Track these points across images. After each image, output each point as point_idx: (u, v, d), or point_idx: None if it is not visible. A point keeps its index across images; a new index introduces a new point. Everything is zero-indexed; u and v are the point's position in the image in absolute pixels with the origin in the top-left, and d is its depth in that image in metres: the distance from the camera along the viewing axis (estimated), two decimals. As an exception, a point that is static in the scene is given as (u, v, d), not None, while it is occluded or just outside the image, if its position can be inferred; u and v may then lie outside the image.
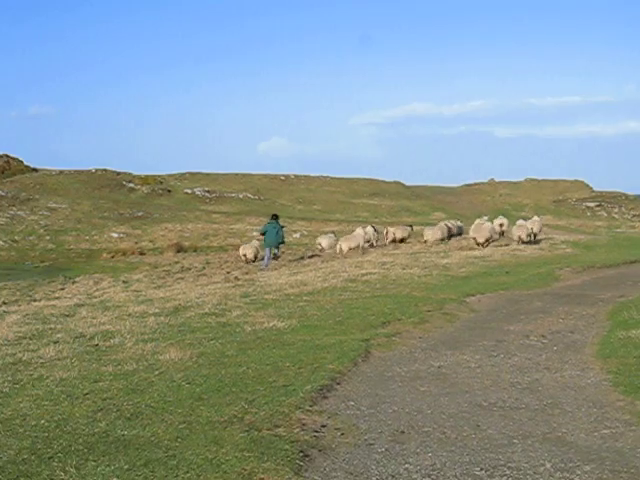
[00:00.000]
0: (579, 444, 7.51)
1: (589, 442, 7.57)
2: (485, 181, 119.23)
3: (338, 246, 35.76)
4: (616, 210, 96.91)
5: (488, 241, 34.82)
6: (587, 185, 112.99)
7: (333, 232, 44.14)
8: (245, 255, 36.89)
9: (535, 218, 39.08)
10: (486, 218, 40.23)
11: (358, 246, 35.83)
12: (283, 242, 34.81)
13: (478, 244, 34.28)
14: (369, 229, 39.61)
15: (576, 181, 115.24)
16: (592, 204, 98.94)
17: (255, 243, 38.19)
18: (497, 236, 38.12)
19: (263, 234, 33.88)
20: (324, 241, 38.73)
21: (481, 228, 35.50)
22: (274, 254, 34.07)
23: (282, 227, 34.20)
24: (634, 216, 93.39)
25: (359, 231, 37.87)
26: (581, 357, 11.59)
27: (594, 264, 26.43)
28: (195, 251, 51.70)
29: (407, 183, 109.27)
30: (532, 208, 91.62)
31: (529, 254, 30.42)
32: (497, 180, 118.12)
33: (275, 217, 34.46)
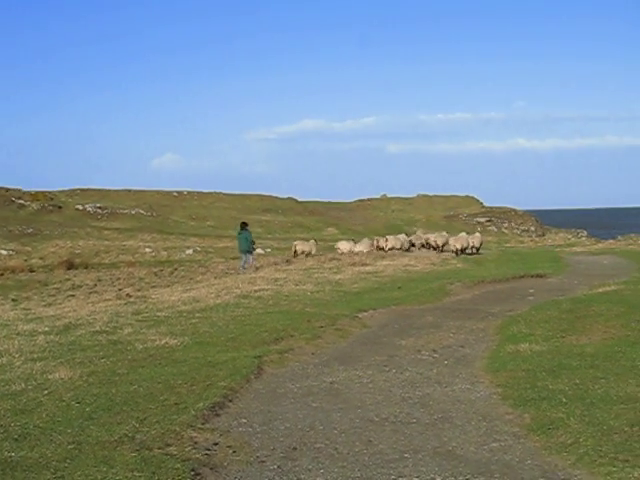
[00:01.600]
0: (469, 457, 7.62)
1: (479, 455, 7.69)
2: (378, 197, 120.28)
3: (387, 244, 43.02)
4: (506, 225, 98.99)
5: (464, 249, 40.27)
6: (478, 201, 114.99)
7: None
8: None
9: (477, 234, 45.63)
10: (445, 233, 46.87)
11: (402, 246, 43.30)
12: (253, 246, 36.53)
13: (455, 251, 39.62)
14: (405, 235, 47.29)
15: (467, 197, 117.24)
16: (483, 219, 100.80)
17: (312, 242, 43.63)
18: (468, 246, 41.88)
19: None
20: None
21: (459, 238, 41.64)
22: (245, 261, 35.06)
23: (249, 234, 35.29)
24: (523, 231, 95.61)
25: (402, 234, 47.49)
26: (471, 371, 11.76)
27: (484, 279, 26.81)
28: (86, 268, 50.68)
29: (300, 199, 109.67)
30: (424, 223, 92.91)
31: (421, 269, 30.75)
32: (389, 196, 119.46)
33: (244, 225, 35.21)
